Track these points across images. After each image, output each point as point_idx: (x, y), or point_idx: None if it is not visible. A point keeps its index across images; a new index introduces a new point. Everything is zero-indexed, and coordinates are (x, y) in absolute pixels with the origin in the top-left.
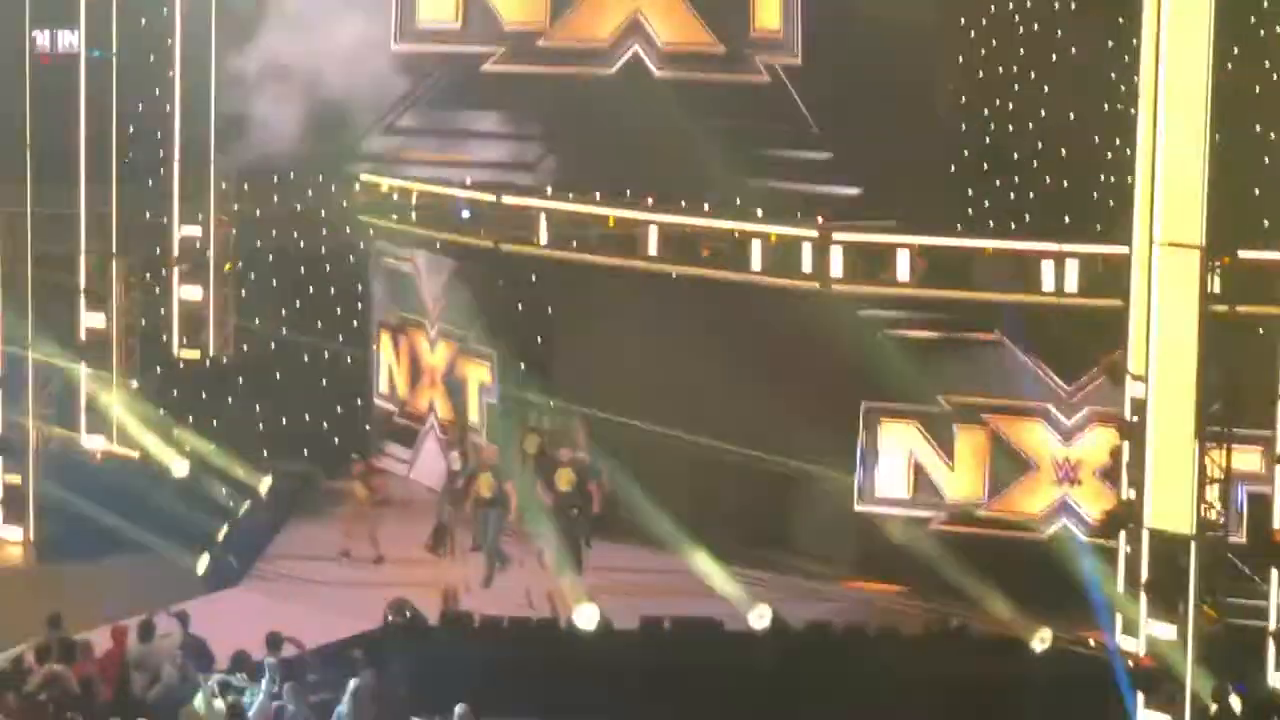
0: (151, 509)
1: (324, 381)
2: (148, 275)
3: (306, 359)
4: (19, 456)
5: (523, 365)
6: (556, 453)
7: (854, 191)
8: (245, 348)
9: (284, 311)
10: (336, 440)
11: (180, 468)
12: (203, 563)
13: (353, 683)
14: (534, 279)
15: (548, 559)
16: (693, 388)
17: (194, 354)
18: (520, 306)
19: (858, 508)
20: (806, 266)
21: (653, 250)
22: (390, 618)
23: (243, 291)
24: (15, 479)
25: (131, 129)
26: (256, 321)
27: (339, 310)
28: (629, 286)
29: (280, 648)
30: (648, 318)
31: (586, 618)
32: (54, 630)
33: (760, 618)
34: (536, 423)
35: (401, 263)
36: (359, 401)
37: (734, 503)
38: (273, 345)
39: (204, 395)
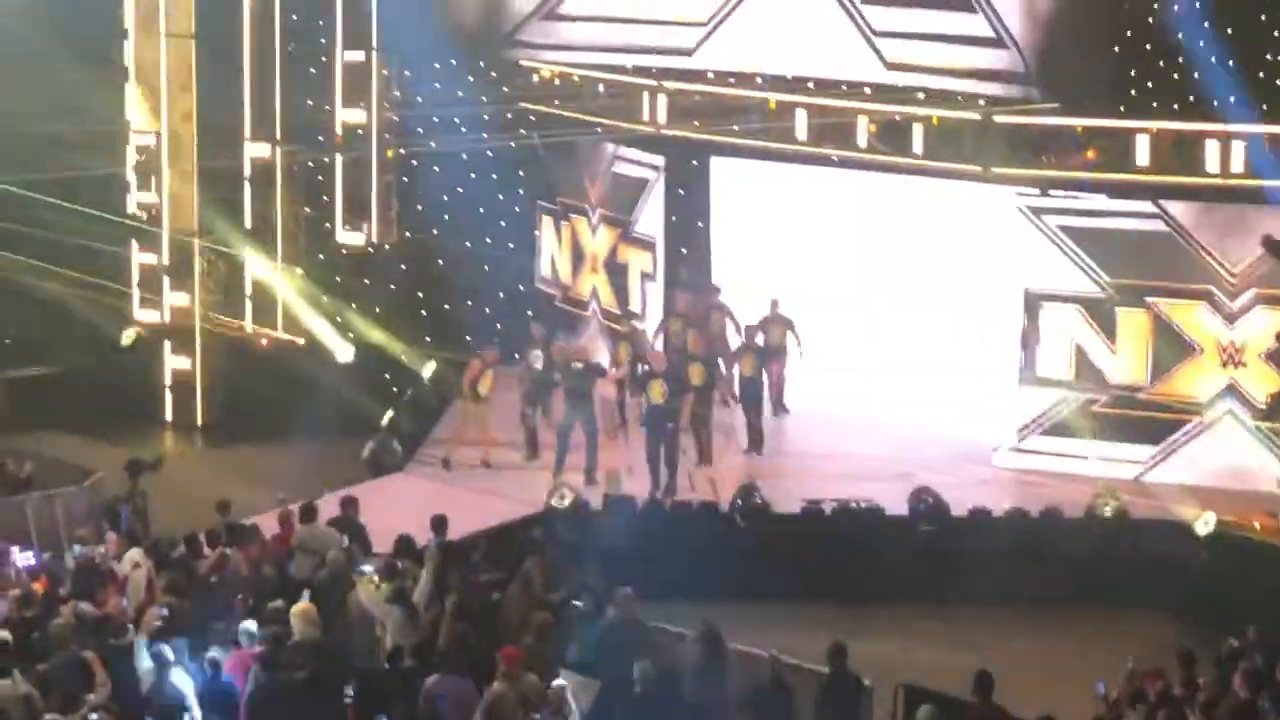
0: (316, 395)
1: (485, 267)
2: (310, 164)
3: (468, 244)
4: (188, 343)
5: (684, 251)
6: (698, 339)
7: (1018, 70)
8: (407, 234)
9: (445, 198)
10: (498, 325)
11: (345, 354)
12: (367, 448)
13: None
14: (694, 164)
15: (704, 446)
16: (853, 276)
17: (358, 240)
18: (681, 192)
19: (1021, 387)
20: (968, 151)
21: (810, 135)
22: (552, 502)
23: (405, 178)
24: (184, 365)
25: (294, 16)
26: (419, 209)
27: (500, 196)
28: (787, 173)
29: (445, 531)
30: (806, 204)
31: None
32: (223, 515)
33: (924, 502)
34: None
35: (563, 148)
36: (520, 287)
37: None
38: (434, 231)
39: (367, 282)
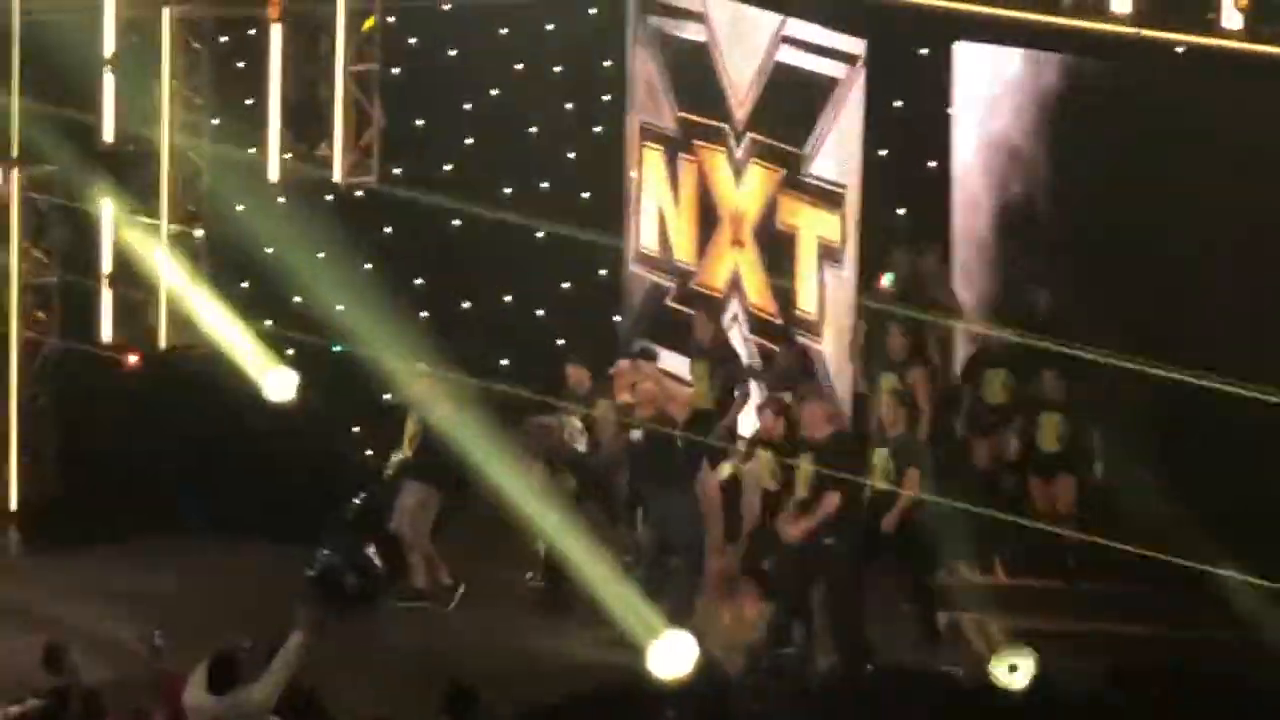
0: (227, 458)
1: (537, 234)
2: (224, 38)
3: (507, 191)
4: None
5: (900, 212)
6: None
7: None
8: (396, 171)
9: (470, 105)
10: (560, 340)
11: (281, 384)
12: (321, 560)
13: None
14: (922, 53)
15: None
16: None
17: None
18: (899, 105)
19: None
20: None
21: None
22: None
23: (395, 69)
24: None
25: None
26: (418, 124)
27: (570, 104)
28: (1089, 73)
29: (472, 710)
30: (1123, 130)
31: (1016, 670)
32: (53, 671)
33: None
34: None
35: (684, 23)
36: (602, 272)
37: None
38: (446, 167)
39: (325, 251)
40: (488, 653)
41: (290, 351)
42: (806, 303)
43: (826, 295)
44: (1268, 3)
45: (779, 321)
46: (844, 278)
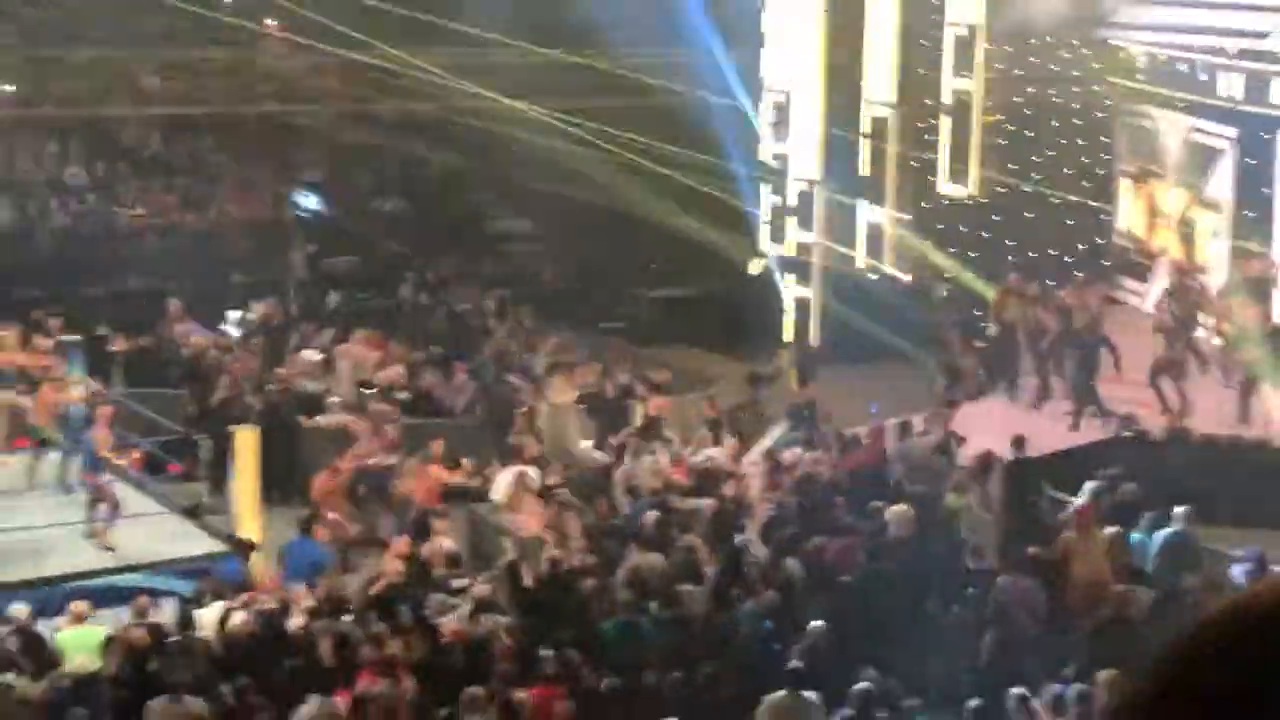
0: (914, 324)
1: (1068, 222)
2: (918, 124)
3: (1055, 202)
4: (808, 275)
5: (1249, 214)
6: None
7: None
8: (1001, 189)
9: (1035, 158)
10: (1077, 274)
11: (941, 290)
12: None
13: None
14: (1265, 136)
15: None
16: None
17: (958, 192)
18: (1252, 162)
19: None
20: None
21: None
22: (1124, 430)
23: (1000, 140)
24: (805, 293)
25: None
26: (1011, 166)
27: (1084, 159)
28: None
29: (1022, 448)
30: None
31: None
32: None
33: None
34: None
35: (1143, 119)
36: (1099, 240)
37: None
38: (1025, 189)
39: (962, 229)
40: None
41: (946, 276)
42: (1205, 258)
43: (1217, 254)
44: None
45: (1188, 268)
46: (1222, 247)
